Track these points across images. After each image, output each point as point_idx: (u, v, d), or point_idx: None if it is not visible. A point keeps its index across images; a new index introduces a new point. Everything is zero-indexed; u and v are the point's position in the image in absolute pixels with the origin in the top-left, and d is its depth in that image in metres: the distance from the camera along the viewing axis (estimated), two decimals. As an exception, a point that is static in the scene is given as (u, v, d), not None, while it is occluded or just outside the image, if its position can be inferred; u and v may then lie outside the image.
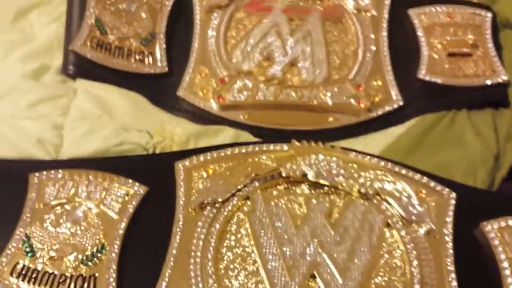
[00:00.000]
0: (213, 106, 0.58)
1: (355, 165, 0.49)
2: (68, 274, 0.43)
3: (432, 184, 0.49)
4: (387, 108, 0.58)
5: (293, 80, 0.60)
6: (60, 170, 0.49)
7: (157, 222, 0.46)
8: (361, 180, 0.49)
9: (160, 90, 0.59)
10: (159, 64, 0.60)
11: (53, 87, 0.59)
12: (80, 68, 0.59)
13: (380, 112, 0.57)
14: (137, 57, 0.60)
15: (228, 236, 0.46)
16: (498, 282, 0.44)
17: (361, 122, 0.57)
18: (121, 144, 0.53)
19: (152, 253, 0.44)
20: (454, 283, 0.43)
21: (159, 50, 0.60)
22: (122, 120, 0.55)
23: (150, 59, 0.60)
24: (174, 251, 0.44)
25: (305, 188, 0.49)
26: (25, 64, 0.60)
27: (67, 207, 0.46)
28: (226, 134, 0.55)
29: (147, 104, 0.58)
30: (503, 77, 0.58)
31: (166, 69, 0.60)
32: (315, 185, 0.49)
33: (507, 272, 0.44)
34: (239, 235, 0.46)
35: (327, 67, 0.60)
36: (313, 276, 0.44)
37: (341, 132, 0.56)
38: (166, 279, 0.42)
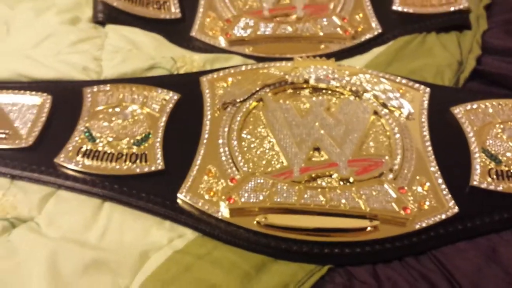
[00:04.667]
0: (222, 42, 0.68)
1: (347, 72, 0.61)
2: (123, 153, 0.53)
3: (410, 83, 0.61)
4: (368, 36, 0.69)
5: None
6: (107, 84, 0.59)
7: (190, 118, 0.57)
8: (352, 81, 0.60)
9: (175, 32, 0.70)
10: (173, 10, 0.72)
11: (87, 31, 0.69)
12: (108, 15, 0.69)
13: (363, 39, 0.69)
14: (154, 5, 0.72)
15: (247, 125, 0.57)
16: (465, 148, 0.55)
17: (348, 47, 0.68)
18: (150, 68, 0.64)
19: (188, 138, 0.55)
20: (429, 148, 0.54)
21: (173, 0, 0.72)
22: (149, 52, 0.66)
23: (165, 7, 0.72)
24: (206, 135, 0.55)
25: (307, 91, 0.61)
26: (59, 16, 0.70)
27: (117, 109, 0.57)
28: (236, 60, 0.66)
29: (167, 42, 0.69)
30: (464, 4, 0.70)
31: (180, 15, 0.71)
32: (315, 89, 0.61)
33: (473, 139, 0.55)
34: (256, 125, 0.57)
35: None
36: (317, 149, 0.55)
37: (331, 57, 0.65)
38: (201, 154, 0.53)
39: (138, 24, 0.69)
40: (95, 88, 0.59)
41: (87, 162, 0.52)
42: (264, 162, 0.54)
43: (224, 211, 0.49)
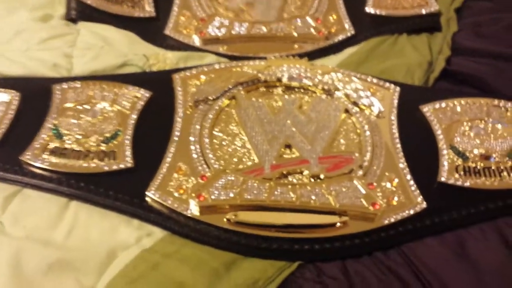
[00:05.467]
0: (196, 41, 0.68)
1: (319, 70, 0.61)
2: (91, 150, 0.52)
3: (381, 83, 0.61)
4: (342, 37, 0.69)
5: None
6: (77, 81, 0.59)
7: (161, 115, 0.56)
8: (324, 80, 0.61)
9: (149, 30, 0.70)
10: (147, 9, 0.71)
11: (59, 28, 0.68)
12: (82, 12, 0.69)
13: (336, 40, 0.69)
14: (129, 3, 0.71)
15: (219, 123, 0.57)
16: (433, 145, 0.55)
17: (321, 48, 0.69)
18: (122, 65, 0.63)
19: (158, 136, 0.54)
20: (398, 145, 0.55)
21: (147, -1, 0.72)
22: (121, 49, 0.65)
23: (140, 5, 0.72)
24: (177, 133, 0.54)
25: (279, 90, 0.61)
26: (32, 12, 0.70)
27: (86, 106, 0.56)
28: (210, 59, 0.66)
29: (140, 39, 0.68)
30: (434, 7, 0.71)
31: (154, 13, 0.71)
32: (288, 88, 0.61)
33: (441, 137, 0.55)
34: (228, 123, 0.57)
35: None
36: (288, 146, 0.55)
37: (304, 56, 0.65)
38: (172, 151, 0.53)
39: (112, 22, 0.69)
40: (65, 85, 0.58)
41: (54, 160, 0.51)
42: (235, 159, 0.54)
43: (193, 209, 0.48)
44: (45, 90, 0.58)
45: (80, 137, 0.53)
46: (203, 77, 0.60)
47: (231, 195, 0.48)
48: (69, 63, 0.63)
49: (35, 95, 0.58)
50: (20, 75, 0.61)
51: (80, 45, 0.65)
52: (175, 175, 0.51)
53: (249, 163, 0.53)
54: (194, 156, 0.52)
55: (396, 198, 0.50)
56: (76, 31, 0.67)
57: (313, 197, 0.48)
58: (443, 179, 0.52)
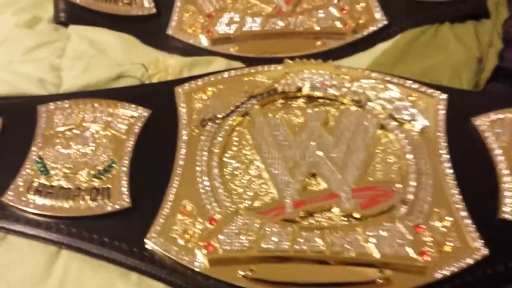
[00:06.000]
0: (203, 41, 0.59)
1: (347, 76, 0.52)
2: (82, 187, 0.45)
3: (422, 88, 0.51)
4: (372, 28, 0.59)
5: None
6: (66, 101, 0.51)
7: (162, 140, 0.48)
8: (354, 89, 0.51)
9: (149, 30, 0.61)
10: (146, 5, 0.62)
11: (47, 34, 0.60)
12: (71, 14, 0.61)
13: (365, 32, 0.59)
14: (124, 0, 0.62)
15: (230, 147, 0.48)
16: (490, 168, 0.46)
17: (348, 43, 0.59)
18: (118, 77, 0.55)
19: (159, 165, 0.46)
20: (449, 171, 0.45)
21: (146, -8, 0.62)
22: (116, 58, 0.57)
23: (137, 2, 0.62)
24: (181, 162, 0.46)
25: (300, 102, 0.52)
26: (17, 16, 0.61)
27: (76, 131, 0.48)
28: (219, 64, 0.57)
29: (139, 43, 0.59)
30: (480, -11, 0.61)
31: (154, 10, 0.62)
32: (310, 99, 0.52)
33: (500, 158, 0.46)
34: (241, 146, 0.48)
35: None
36: (313, 175, 0.46)
37: (329, 55, 0.57)
38: (175, 186, 0.44)
39: (106, 23, 0.60)
40: (52, 106, 0.50)
41: (40, 201, 0.44)
42: (250, 193, 0.45)
43: (201, 261, 0.41)
44: (29, 111, 0.50)
45: (68, 171, 0.46)
46: (210, 90, 0.52)
47: (246, 244, 0.40)
48: (57, 77, 0.55)
49: (18, 118, 0.50)
50: (0, 94, 0.53)
51: (70, 54, 0.57)
52: (179, 216, 0.43)
53: (267, 199, 0.44)
54: (202, 191, 0.44)
55: (449, 244, 0.41)
56: (66, 37, 0.59)
57: (347, 246, 0.40)
58: (506, 215, 0.42)
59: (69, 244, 0.43)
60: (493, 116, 0.49)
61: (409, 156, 0.46)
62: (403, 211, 0.43)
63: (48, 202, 0.44)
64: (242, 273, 0.40)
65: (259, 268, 0.39)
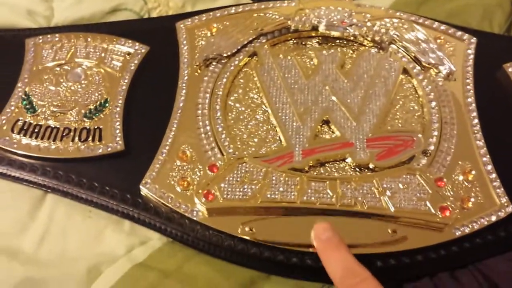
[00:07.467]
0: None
1: (368, 15, 0.47)
2: (71, 128, 0.41)
3: (451, 30, 0.47)
4: (398, -35, 0.54)
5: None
6: (56, 34, 0.46)
7: (161, 79, 0.44)
8: (376, 28, 0.46)
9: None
10: None
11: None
12: None
13: (390, -32, 0.54)
14: None
15: (235, 89, 0.44)
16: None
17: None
18: (114, 10, 0.50)
19: (157, 107, 0.42)
20: (476, 121, 0.41)
21: None
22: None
23: None
24: (181, 104, 0.42)
25: (315, 42, 0.47)
26: None
27: (66, 67, 0.44)
28: (225, -1, 0.52)
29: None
30: None
31: None
32: (326, 39, 0.47)
33: (532, 108, 0.42)
34: (247, 89, 0.44)
35: None
36: (326, 122, 0.42)
37: None
38: (174, 129, 0.40)
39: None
40: (40, 39, 0.46)
41: (25, 140, 0.40)
42: (256, 139, 0.41)
43: (200, 210, 0.37)
44: (17, 45, 0.46)
45: (56, 109, 0.42)
46: (215, 26, 0.47)
47: (249, 193, 0.36)
48: (48, 8, 0.50)
49: (5, 52, 0.46)
50: (-13, 26, 0.49)
51: (62, -18, 0.52)
52: (177, 161, 0.39)
53: (274, 146, 0.40)
54: (202, 136, 0.40)
55: (472, 199, 0.37)
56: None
57: (359, 198, 0.36)
58: (537, 171, 0.38)
59: (55, 188, 0.39)
60: (529, 62, 0.44)
61: (433, 104, 0.42)
62: (424, 163, 0.38)
63: (33, 142, 0.40)
64: (242, 226, 0.36)
65: (258, 226, 0.36)
